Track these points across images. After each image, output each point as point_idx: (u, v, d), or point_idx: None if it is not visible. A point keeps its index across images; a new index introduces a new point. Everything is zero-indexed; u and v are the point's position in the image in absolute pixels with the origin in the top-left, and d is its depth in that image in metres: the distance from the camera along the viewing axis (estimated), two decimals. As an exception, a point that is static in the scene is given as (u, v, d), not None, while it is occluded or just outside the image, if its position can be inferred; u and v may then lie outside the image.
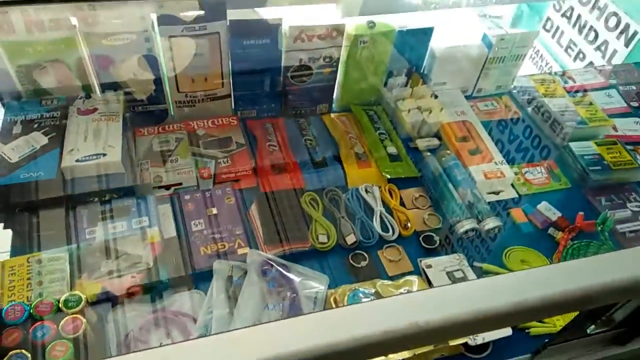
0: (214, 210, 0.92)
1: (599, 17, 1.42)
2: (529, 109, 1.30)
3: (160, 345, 0.69)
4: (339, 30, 1.05)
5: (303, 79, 1.11)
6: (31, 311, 0.68)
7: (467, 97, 1.29)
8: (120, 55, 0.97)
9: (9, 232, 0.81)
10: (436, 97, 1.24)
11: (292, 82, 1.11)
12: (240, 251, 0.87)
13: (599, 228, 1.01)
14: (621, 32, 1.38)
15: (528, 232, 1.00)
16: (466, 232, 0.95)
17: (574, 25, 1.51)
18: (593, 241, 0.99)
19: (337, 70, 1.13)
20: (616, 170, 1.12)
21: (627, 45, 1.37)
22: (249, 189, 0.99)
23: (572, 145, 1.16)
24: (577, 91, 1.38)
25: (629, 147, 1.18)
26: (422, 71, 1.26)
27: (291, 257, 0.88)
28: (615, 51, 1.41)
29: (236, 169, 1.00)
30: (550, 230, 1.01)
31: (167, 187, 0.95)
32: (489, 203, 1.02)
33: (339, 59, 1.11)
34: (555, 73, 1.45)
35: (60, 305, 0.69)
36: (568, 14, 1.52)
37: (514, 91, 1.35)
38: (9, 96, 0.97)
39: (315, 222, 0.94)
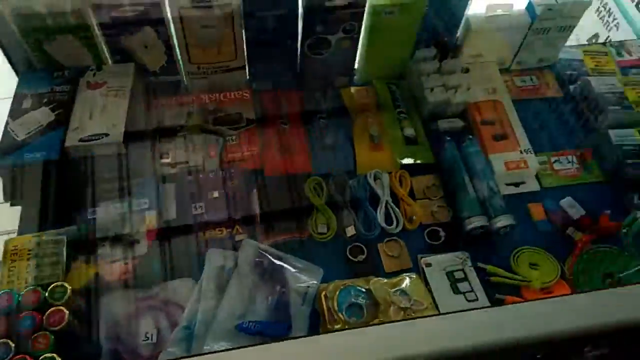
0: (215, 194, 0.91)
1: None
2: (571, 87, 1.18)
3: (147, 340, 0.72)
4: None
5: (321, 51, 1.05)
6: (19, 300, 0.71)
7: (504, 70, 1.19)
8: (130, 27, 0.95)
9: (18, 209, 0.84)
10: (467, 71, 1.15)
11: (308, 54, 1.05)
12: (238, 237, 0.87)
13: (624, 231, 0.92)
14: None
15: (545, 231, 0.94)
16: (474, 229, 0.90)
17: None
18: (614, 247, 0.91)
19: (357, 41, 1.06)
20: (659, 165, 1.00)
21: None
22: (254, 171, 0.97)
23: (612, 132, 1.04)
24: (633, 67, 1.24)
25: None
26: (455, 42, 1.16)
27: (288, 246, 0.87)
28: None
29: (243, 148, 0.98)
30: (570, 230, 0.93)
31: (173, 165, 0.96)
32: (506, 196, 0.96)
33: (360, 29, 1.04)
34: (611, 44, 1.30)
35: (47, 296, 0.71)
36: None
37: (559, 65, 1.22)
38: (23, 66, 0.98)
39: (316, 210, 0.92)
